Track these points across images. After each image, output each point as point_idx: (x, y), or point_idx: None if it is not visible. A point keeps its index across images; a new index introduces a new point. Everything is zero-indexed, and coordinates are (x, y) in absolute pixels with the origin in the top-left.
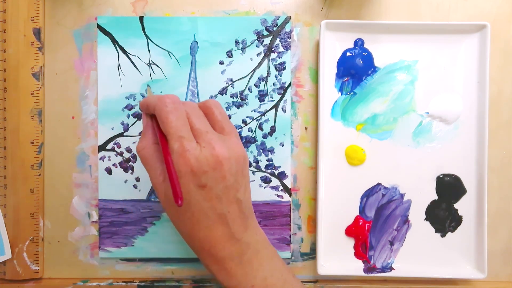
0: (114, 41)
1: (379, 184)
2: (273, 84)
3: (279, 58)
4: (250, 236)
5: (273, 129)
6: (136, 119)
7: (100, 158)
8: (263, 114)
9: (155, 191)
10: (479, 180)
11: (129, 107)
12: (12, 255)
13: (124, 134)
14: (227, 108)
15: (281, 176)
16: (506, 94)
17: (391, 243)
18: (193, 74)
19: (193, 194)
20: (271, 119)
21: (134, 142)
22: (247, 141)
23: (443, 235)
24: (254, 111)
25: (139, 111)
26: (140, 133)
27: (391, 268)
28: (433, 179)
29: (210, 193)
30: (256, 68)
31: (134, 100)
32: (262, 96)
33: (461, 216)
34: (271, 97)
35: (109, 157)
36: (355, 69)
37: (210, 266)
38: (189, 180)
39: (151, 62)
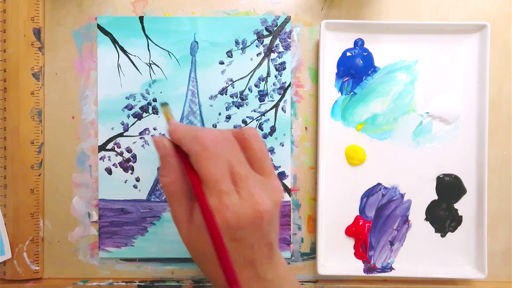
0: (114, 41)
1: (379, 184)
2: (273, 84)
3: (279, 58)
4: (273, 271)
5: (273, 129)
6: (136, 119)
7: (100, 158)
8: (263, 114)
9: (177, 228)
10: (479, 180)
11: (129, 107)
12: (12, 255)
13: (124, 134)
14: (227, 108)
15: (281, 176)
16: (506, 94)
17: (391, 243)
18: (193, 74)
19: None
20: (271, 119)
21: (134, 142)
22: None
23: (443, 235)
24: (254, 111)
25: (139, 111)
26: (140, 133)
27: (391, 268)
28: (433, 179)
29: (242, 244)
30: (256, 68)
31: (134, 100)
32: (262, 96)
33: (461, 216)
34: (271, 97)
35: (109, 157)
36: (355, 69)
37: None
38: (223, 234)
39: (151, 62)
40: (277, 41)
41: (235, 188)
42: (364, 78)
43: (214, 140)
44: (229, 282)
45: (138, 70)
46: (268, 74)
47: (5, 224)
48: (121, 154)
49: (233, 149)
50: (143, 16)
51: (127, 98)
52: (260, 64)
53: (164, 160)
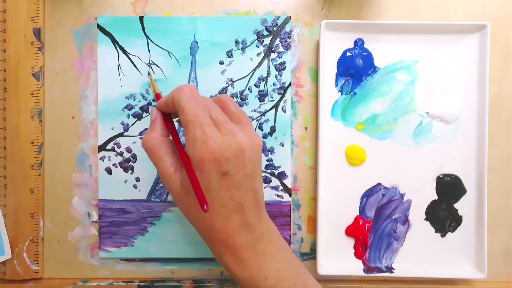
0: (114, 41)
1: (379, 184)
2: (273, 84)
3: (279, 58)
4: (263, 226)
5: (273, 129)
6: (136, 119)
7: (100, 158)
8: (263, 114)
9: (165, 184)
10: (479, 180)
11: (129, 107)
12: (12, 255)
13: (124, 134)
14: None
15: (281, 176)
16: (506, 94)
17: (391, 243)
18: (193, 74)
19: (214, 182)
20: (271, 119)
21: (134, 142)
22: None
23: (443, 235)
24: (254, 111)
25: (139, 111)
26: (140, 133)
27: (391, 268)
28: (433, 179)
29: (230, 181)
30: (256, 68)
31: (134, 100)
32: (262, 96)
33: (461, 216)
34: (271, 97)
35: (109, 157)
36: (355, 69)
37: (224, 257)
38: (211, 168)
39: (151, 62)
40: (277, 41)
41: (216, 127)
42: (364, 78)
43: (191, 87)
44: (198, 198)
45: (138, 70)
46: (268, 74)
47: (5, 224)
48: (121, 154)
49: (211, 103)
50: (143, 16)
51: (127, 98)
52: (260, 64)
53: (150, 125)
